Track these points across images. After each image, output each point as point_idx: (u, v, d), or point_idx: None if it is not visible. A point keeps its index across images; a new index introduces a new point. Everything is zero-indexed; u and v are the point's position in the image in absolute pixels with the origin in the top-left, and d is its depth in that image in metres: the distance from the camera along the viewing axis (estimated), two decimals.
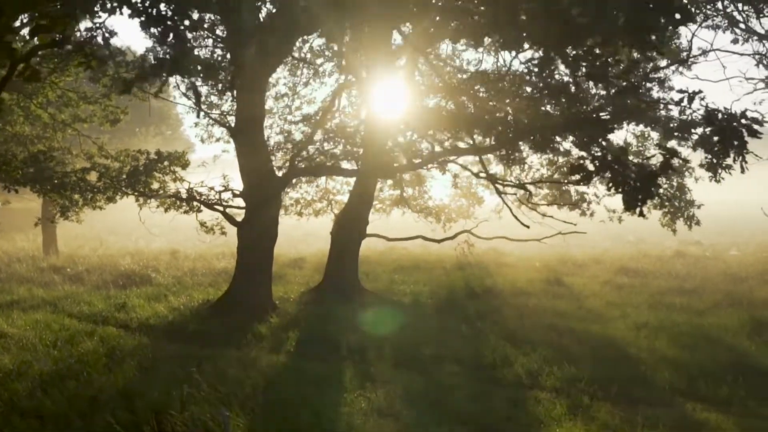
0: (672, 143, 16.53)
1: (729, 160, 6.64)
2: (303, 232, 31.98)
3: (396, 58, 14.69)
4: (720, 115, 6.05)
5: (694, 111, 6.44)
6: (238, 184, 14.78)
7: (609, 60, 6.19)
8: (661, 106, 10.11)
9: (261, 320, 12.59)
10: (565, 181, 17.16)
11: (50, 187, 13.98)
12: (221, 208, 14.71)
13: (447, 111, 12.90)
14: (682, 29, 15.76)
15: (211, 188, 14.77)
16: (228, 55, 13.27)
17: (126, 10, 4.72)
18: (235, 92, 13.54)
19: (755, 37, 16.00)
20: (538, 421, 7.74)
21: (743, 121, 5.87)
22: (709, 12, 15.68)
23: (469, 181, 21.70)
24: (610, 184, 6.01)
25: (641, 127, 14.62)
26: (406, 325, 12.47)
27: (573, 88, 9.99)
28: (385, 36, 13.22)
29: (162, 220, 16.88)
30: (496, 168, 20.76)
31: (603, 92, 10.22)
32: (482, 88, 13.84)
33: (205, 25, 12.78)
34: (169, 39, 4.33)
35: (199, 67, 9.03)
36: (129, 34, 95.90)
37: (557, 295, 16.27)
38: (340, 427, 7.12)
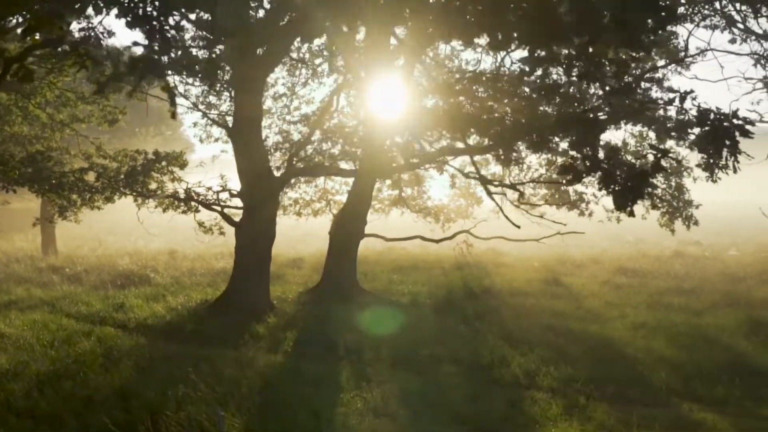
0: (670, 143, 16.61)
1: (722, 160, 6.65)
2: (302, 232, 31.96)
3: (394, 59, 14.68)
4: (712, 115, 6.06)
5: (686, 111, 6.45)
6: (236, 184, 14.80)
7: (602, 60, 6.20)
8: (655, 105, 10.11)
9: (259, 320, 12.59)
10: (556, 181, 17.17)
11: (48, 187, 13.99)
12: (219, 208, 14.72)
13: (444, 111, 12.90)
14: (679, 29, 15.77)
15: (209, 188, 14.79)
16: (208, 54, 13.24)
17: (114, 10, 4.75)
18: (232, 92, 13.54)
19: (753, 37, 16.01)
20: (534, 421, 7.74)
21: (735, 121, 5.88)
22: (707, 12, 15.67)
23: (468, 181, 21.71)
24: (601, 184, 6.02)
25: (639, 126, 14.64)
26: (404, 325, 12.47)
27: (568, 89, 10.00)
28: (383, 37, 13.22)
29: (160, 220, 16.88)
30: (495, 168, 20.80)
31: (599, 92, 10.23)
32: (480, 88, 13.84)
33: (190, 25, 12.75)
34: (154, 39, 4.34)
35: (179, 67, 8.98)
36: (129, 34, 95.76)
37: (555, 295, 16.27)
38: (336, 427, 7.12)
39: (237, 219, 14.42)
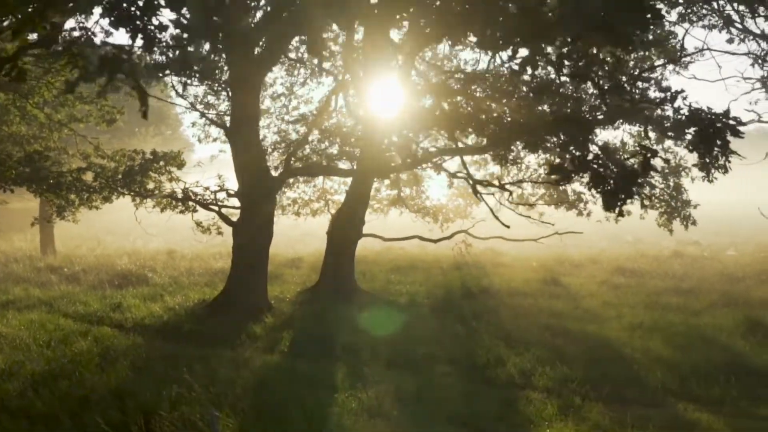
0: (669, 143, 16.59)
1: (714, 160, 6.66)
2: (301, 232, 32.00)
3: (392, 59, 14.67)
4: (703, 115, 6.05)
5: (677, 110, 6.43)
6: (234, 184, 14.80)
7: (593, 59, 6.19)
8: (647, 105, 10.10)
9: (256, 320, 12.59)
10: (546, 181, 17.15)
11: (46, 187, 14.00)
12: (216, 208, 14.72)
13: (442, 111, 12.90)
14: (676, 28, 15.76)
15: (206, 188, 14.80)
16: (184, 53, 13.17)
17: (97, 9, 4.79)
18: (230, 92, 13.54)
19: (750, 37, 15.99)
20: (528, 421, 7.74)
21: (726, 120, 5.86)
22: (705, 11, 15.66)
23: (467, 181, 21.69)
24: (591, 184, 6.01)
25: (636, 126, 14.62)
26: (402, 325, 12.46)
27: (558, 88, 10.00)
28: (380, 38, 13.21)
29: (159, 220, 16.89)
30: (494, 168, 20.79)
31: (594, 92, 10.22)
32: (478, 88, 13.84)
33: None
34: (137, 39, 4.37)
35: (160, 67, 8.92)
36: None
37: (553, 295, 16.26)
38: (330, 427, 7.11)
39: (235, 219, 14.43)
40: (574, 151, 6.40)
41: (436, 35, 7.72)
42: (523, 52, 5.50)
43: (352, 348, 10.76)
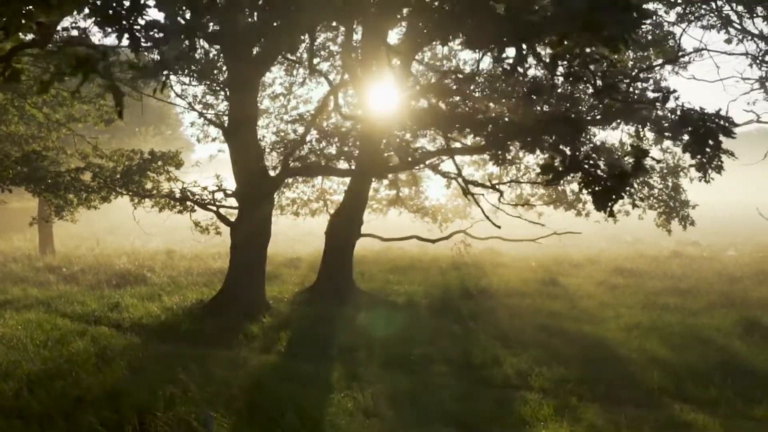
0: (667, 143, 16.58)
1: (707, 161, 6.66)
2: (300, 232, 31.96)
3: (390, 59, 14.66)
4: (695, 116, 6.04)
5: (669, 110, 6.42)
6: (232, 184, 14.80)
7: (586, 59, 6.19)
8: (640, 105, 10.09)
9: (253, 320, 12.59)
10: (535, 181, 17.11)
11: (44, 186, 14.00)
12: (214, 208, 14.72)
13: (440, 110, 12.88)
14: (675, 28, 15.74)
15: (204, 188, 14.79)
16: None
17: (84, 10, 4.76)
18: (227, 92, 13.54)
19: (749, 37, 15.97)
20: (523, 422, 7.74)
21: (718, 121, 5.86)
22: (704, 11, 15.64)
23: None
24: (582, 184, 6.01)
25: (632, 126, 14.58)
26: (399, 325, 12.47)
27: (551, 88, 9.99)
28: (377, 38, 13.21)
29: (158, 220, 16.89)
30: (493, 168, 20.76)
31: (590, 91, 10.21)
32: (476, 88, 13.82)
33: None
34: (123, 39, 4.37)
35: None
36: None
37: (552, 296, 16.24)
38: (325, 427, 7.12)
39: (233, 219, 14.43)
40: (565, 150, 6.40)
41: (431, 35, 7.72)
42: (511, 52, 5.52)
43: (349, 348, 10.77)
